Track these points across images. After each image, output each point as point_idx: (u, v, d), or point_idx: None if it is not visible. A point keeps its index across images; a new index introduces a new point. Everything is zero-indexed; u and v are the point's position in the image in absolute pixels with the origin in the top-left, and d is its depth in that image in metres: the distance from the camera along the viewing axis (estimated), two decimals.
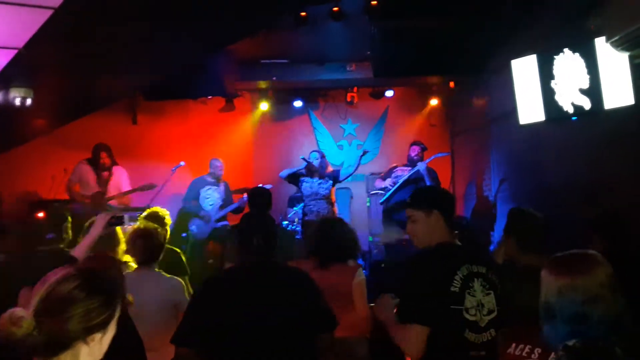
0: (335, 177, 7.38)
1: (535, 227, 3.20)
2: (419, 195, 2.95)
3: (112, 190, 7.34)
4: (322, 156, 7.46)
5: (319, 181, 7.30)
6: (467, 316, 2.56)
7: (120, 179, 7.45)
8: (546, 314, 1.91)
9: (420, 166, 7.44)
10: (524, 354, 2.51)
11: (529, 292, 2.48)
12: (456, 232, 2.86)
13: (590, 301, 1.84)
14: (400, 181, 7.46)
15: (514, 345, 2.56)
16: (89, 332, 1.66)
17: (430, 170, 7.54)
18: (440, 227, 2.78)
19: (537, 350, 2.47)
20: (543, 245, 3.03)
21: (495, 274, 2.68)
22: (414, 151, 7.78)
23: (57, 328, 1.61)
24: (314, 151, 7.53)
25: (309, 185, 7.31)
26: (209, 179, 7.80)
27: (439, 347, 2.52)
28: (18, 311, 1.60)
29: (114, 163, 7.49)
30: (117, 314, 1.74)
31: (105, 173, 7.38)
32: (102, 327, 1.69)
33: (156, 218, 4.63)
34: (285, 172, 7.31)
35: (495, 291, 2.64)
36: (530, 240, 3.14)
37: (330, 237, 3.86)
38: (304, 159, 7.29)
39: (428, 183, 7.23)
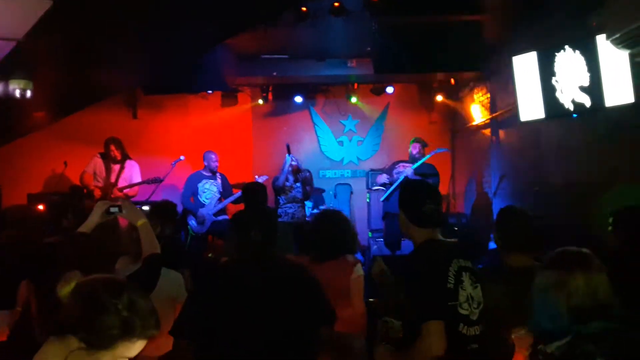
0: (305, 180, 7.51)
1: (522, 226, 3.12)
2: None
3: (122, 183, 7.52)
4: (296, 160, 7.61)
5: (297, 185, 7.39)
6: (461, 310, 2.57)
7: (132, 172, 7.62)
8: (531, 311, 1.92)
9: (408, 171, 7.45)
10: None
11: (510, 294, 2.51)
12: (456, 228, 2.87)
13: (574, 302, 1.85)
14: (401, 178, 7.46)
15: None
16: None
17: (425, 167, 7.50)
18: (410, 226, 2.77)
19: None
20: (529, 246, 3.00)
21: (481, 267, 2.71)
22: (415, 148, 7.76)
23: None
24: (290, 155, 7.54)
25: (291, 190, 7.46)
26: (205, 173, 7.81)
27: None
28: None
29: (126, 157, 7.63)
30: None
31: (117, 166, 7.53)
32: None
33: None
34: (281, 180, 7.33)
35: (481, 284, 2.68)
36: (514, 239, 3.09)
37: (325, 230, 3.77)
38: (288, 146, 7.44)
39: None
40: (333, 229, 3.78)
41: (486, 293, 2.69)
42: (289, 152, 7.43)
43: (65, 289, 1.77)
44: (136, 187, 7.56)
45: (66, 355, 1.69)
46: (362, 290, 3.74)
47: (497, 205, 7.84)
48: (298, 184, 7.45)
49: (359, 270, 3.76)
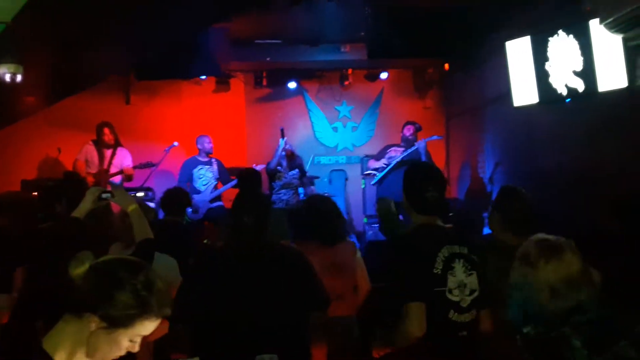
0: (301, 167, 7.57)
1: (522, 208, 3.14)
2: None
3: (114, 170, 7.50)
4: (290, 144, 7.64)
5: (293, 172, 7.41)
6: (451, 297, 2.58)
7: (124, 159, 7.60)
8: (509, 295, 1.94)
9: (420, 144, 7.43)
10: None
11: (503, 271, 2.52)
12: (451, 214, 2.89)
13: (548, 290, 1.86)
14: (394, 162, 7.46)
15: None
16: None
17: (418, 154, 7.52)
18: (411, 211, 2.79)
19: None
20: (526, 228, 3.01)
21: (478, 254, 2.70)
22: (409, 130, 7.75)
23: None
24: (283, 138, 7.55)
25: (284, 174, 7.47)
26: (201, 158, 7.79)
27: (428, 328, 2.54)
28: None
29: (118, 143, 7.61)
30: None
31: (109, 152, 7.50)
32: None
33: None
34: (273, 163, 7.33)
35: (477, 271, 2.67)
36: (514, 219, 3.11)
37: (329, 214, 3.78)
38: (282, 130, 7.48)
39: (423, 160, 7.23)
40: (335, 212, 3.80)
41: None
42: (283, 136, 7.43)
43: (78, 269, 1.78)
44: (132, 170, 7.53)
45: (87, 336, 1.71)
46: (364, 267, 3.77)
47: (494, 191, 7.87)
48: (295, 171, 7.44)
49: (357, 250, 3.85)
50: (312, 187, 7.72)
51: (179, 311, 2.71)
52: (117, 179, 7.32)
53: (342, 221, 3.85)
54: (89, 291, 1.74)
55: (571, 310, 1.80)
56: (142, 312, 1.74)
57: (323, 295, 2.89)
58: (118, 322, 1.72)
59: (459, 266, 2.62)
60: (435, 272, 2.57)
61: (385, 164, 7.62)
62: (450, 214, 7.89)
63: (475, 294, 2.64)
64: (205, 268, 2.84)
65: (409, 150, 7.48)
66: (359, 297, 3.64)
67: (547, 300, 1.84)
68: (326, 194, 6.64)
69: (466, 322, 2.61)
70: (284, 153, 7.38)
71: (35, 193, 6.23)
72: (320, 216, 3.69)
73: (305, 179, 7.56)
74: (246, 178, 5.63)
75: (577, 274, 1.87)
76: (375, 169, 7.82)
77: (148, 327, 1.79)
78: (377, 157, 7.96)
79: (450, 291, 2.58)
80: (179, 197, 5.18)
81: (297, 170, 7.48)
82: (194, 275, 2.86)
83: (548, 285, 1.86)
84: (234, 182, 7.51)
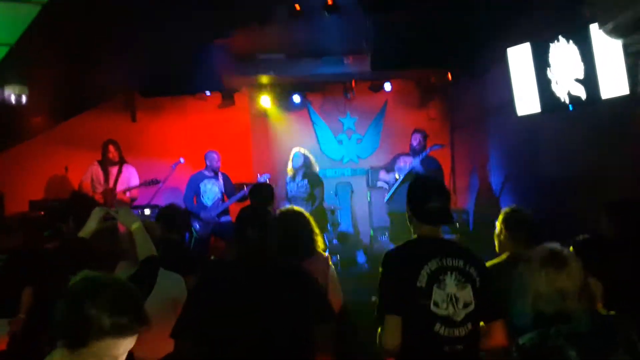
0: (313, 183, 7.60)
1: (529, 227, 3.38)
2: None
3: (120, 187, 7.55)
4: (304, 155, 7.68)
5: (300, 183, 7.43)
6: (437, 310, 2.57)
7: (130, 177, 7.64)
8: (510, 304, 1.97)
9: (415, 163, 7.44)
10: None
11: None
12: (457, 224, 2.92)
13: (537, 306, 1.87)
14: (400, 179, 7.46)
15: None
16: None
17: (427, 162, 7.49)
18: (414, 221, 2.81)
19: None
20: (534, 242, 3.09)
21: (476, 267, 2.68)
22: (416, 140, 7.73)
23: None
24: (297, 151, 7.63)
25: (292, 187, 7.57)
26: (207, 173, 7.81)
27: (410, 342, 2.55)
28: None
29: (123, 160, 7.66)
30: None
31: (115, 169, 7.54)
32: None
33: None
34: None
35: (473, 284, 2.64)
36: (523, 237, 3.29)
37: (293, 230, 3.70)
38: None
39: None
40: (302, 228, 3.74)
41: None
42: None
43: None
44: (135, 190, 7.57)
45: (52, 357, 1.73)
46: (337, 283, 3.74)
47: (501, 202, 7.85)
48: (303, 182, 7.49)
49: (331, 264, 3.79)
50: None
51: (183, 328, 2.73)
52: (121, 198, 7.37)
53: (309, 236, 3.75)
54: (56, 317, 1.75)
55: (559, 317, 1.81)
56: (108, 333, 1.72)
57: (328, 309, 2.89)
58: (81, 344, 1.70)
59: (450, 279, 2.60)
60: (419, 285, 2.57)
61: (394, 180, 7.61)
62: (457, 225, 7.89)
63: (470, 307, 2.61)
64: (207, 284, 2.85)
65: (406, 171, 7.47)
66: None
67: (536, 304, 1.86)
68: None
69: (461, 336, 2.59)
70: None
71: (42, 213, 6.27)
72: (286, 232, 3.62)
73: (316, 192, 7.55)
74: (255, 191, 5.59)
75: (573, 286, 1.88)
76: (386, 182, 7.80)
77: (120, 346, 1.77)
78: (387, 168, 7.95)
79: (436, 304, 2.57)
80: (172, 214, 4.98)
81: (300, 179, 7.49)
82: (197, 292, 2.87)
83: (540, 291, 1.87)
84: (239, 195, 7.52)
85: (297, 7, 6.65)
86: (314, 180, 7.65)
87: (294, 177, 7.69)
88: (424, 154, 7.46)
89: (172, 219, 4.79)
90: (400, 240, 2.87)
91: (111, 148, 7.56)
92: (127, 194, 7.53)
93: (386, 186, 7.83)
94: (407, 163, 7.64)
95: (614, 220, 3.49)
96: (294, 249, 3.53)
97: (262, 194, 5.48)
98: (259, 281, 2.76)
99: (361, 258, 8.60)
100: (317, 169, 7.87)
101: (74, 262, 2.91)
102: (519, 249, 3.23)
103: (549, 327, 1.84)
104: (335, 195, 9.65)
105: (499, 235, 3.48)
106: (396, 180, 7.64)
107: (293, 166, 7.70)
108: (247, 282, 2.77)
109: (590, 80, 4.85)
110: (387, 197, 7.80)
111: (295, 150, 7.84)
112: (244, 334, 2.67)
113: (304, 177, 7.62)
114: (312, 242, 3.73)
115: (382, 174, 7.98)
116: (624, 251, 3.08)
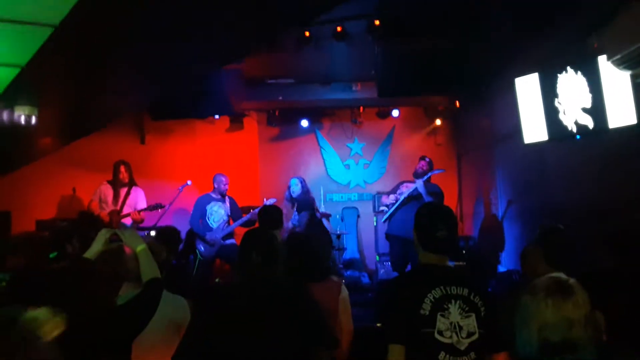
0: (309, 207, 7.56)
1: (566, 244, 3.34)
2: None
3: (127, 209, 7.54)
4: (302, 181, 7.69)
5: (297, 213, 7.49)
6: (441, 338, 2.54)
7: (137, 199, 7.64)
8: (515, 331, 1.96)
9: (418, 183, 7.44)
10: None
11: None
12: (464, 251, 2.89)
13: (543, 335, 1.85)
14: (401, 199, 7.44)
15: None
16: None
17: (430, 186, 7.48)
18: (420, 249, 2.79)
19: None
20: (568, 263, 3.06)
21: (481, 296, 2.66)
22: (421, 167, 7.75)
23: None
24: (293, 178, 7.68)
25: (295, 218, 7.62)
26: (214, 195, 7.82)
27: None
28: None
29: (133, 182, 7.67)
30: None
31: (124, 191, 7.56)
32: None
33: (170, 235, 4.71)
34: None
35: (477, 313, 2.61)
36: (558, 255, 3.21)
37: (307, 254, 3.70)
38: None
39: (425, 199, 7.19)
40: (312, 252, 3.74)
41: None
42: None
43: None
44: (142, 213, 7.58)
45: None
46: (349, 308, 3.73)
47: (506, 228, 7.81)
48: (301, 214, 7.46)
49: (345, 289, 3.77)
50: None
51: (185, 353, 2.72)
52: (127, 222, 7.36)
53: (320, 260, 3.78)
54: None
55: (565, 346, 1.80)
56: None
57: (329, 335, 2.87)
58: None
59: (454, 308, 2.58)
60: (422, 313, 2.55)
61: (394, 201, 7.60)
62: (464, 252, 7.85)
63: (474, 336, 2.58)
64: (208, 308, 2.83)
65: (410, 190, 7.47)
66: (343, 339, 3.57)
67: (542, 333, 1.85)
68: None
69: None
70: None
71: (47, 233, 6.28)
72: (295, 255, 3.62)
73: (315, 219, 7.53)
74: (266, 214, 5.56)
75: (580, 315, 1.86)
76: (386, 205, 7.80)
77: None
78: (390, 194, 7.94)
79: (440, 332, 2.55)
80: (171, 234, 4.99)
81: (304, 213, 7.45)
82: (198, 316, 2.86)
83: (546, 320, 1.86)
84: (245, 219, 7.52)
85: (307, 33, 6.73)
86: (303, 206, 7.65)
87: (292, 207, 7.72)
88: (425, 176, 7.47)
89: (170, 239, 4.80)
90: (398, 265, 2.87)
91: (122, 169, 7.58)
92: (133, 216, 7.53)
93: (386, 209, 7.81)
94: (409, 188, 7.64)
95: (614, 251, 3.48)
96: (304, 273, 3.53)
97: (273, 216, 5.46)
98: (260, 306, 2.75)
99: (366, 283, 8.56)
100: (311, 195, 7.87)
101: (78, 283, 2.90)
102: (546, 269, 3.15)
103: (555, 356, 1.83)
104: (342, 220, 9.65)
105: (530, 253, 3.44)
106: (397, 201, 7.62)
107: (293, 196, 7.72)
108: (248, 307, 2.75)
109: (597, 110, 4.87)
110: (384, 217, 7.77)
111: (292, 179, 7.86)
112: (245, 358, 2.65)
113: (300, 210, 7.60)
114: (323, 266, 3.73)
115: (384, 198, 7.97)
116: (624, 283, 3.06)
